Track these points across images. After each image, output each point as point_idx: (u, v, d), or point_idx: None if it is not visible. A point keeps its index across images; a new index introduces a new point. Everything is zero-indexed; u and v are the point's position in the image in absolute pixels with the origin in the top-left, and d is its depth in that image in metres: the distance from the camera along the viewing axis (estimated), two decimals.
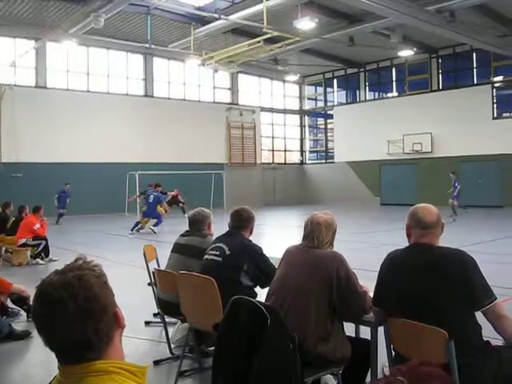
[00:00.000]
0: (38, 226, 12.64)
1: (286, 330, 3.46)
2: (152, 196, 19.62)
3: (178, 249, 5.80)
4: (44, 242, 12.67)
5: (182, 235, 5.94)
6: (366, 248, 14.11)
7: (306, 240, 3.95)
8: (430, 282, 3.28)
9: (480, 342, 3.36)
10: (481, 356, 3.25)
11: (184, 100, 32.44)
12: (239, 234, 4.98)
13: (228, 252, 4.79)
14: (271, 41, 23.84)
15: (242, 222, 5.04)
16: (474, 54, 30.24)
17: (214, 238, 5.34)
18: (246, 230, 5.03)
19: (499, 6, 23.55)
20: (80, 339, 1.59)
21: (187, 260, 5.52)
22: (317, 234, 3.90)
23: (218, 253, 4.85)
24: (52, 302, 1.59)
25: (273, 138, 38.73)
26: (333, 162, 36.53)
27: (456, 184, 24.24)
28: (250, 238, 5.08)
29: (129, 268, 11.01)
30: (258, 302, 3.60)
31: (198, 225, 5.87)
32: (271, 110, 38.01)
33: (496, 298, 3.27)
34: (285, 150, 39.53)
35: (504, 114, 29.89)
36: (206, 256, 4.98)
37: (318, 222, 3.95)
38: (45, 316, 1.60)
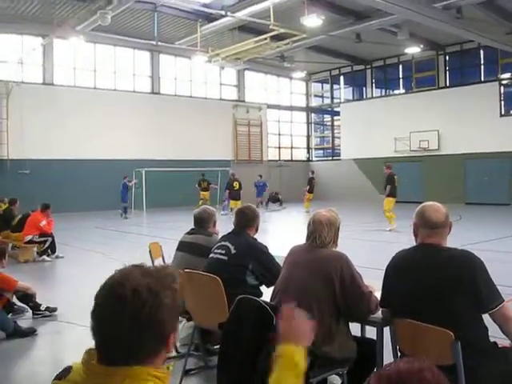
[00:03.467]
0: (44, 222, 12.68)
1: None
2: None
3: (183, 247, 5.77)
4: (50, 239, 12.71)
5: (188, 233, 5.92)
6: (373, 246, 14.09)
7: (309, 239, 3.92)
8: (437, 284, 3.24)
9: (487, 344, 3.33)
10: (488, 357, 3.23)
11: (191, 97, 32.44)
12: (244, 232, 4.95)
13: (234, 251, 4.76)
14: (278, 38, 23.79)
15: (246, 220, 5.01)
16: (482, 51, 30.11)
17: (220, 236, 5.33)
18: (251, 228, 5.00)
19: (507, 2, 23.44)
20: (123, 343, 1.58)
21: (193, 258, 5.49)
22: (319, 233, 3.86)
23: (223, 251, 4.82)
24: (116, 298, 1.58)
25: (279, 134, 38.70)
26: (339, 159, 36.49)
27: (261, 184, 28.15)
28: (256, 235, 5.06)
29: None
30: (263, 301, 3.59)
31: (203, 223, 5.86)
32: (278, 107, 37.98)
33: (503, 300, 3.24)
34: (291, 147, 39.49)
35: (511, 111, 29.80)
36: (211, 255, 4.96)
37: (320, 220, 3.91)
38: (102, 305, 1.61)
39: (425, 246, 3.45)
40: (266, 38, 23.00)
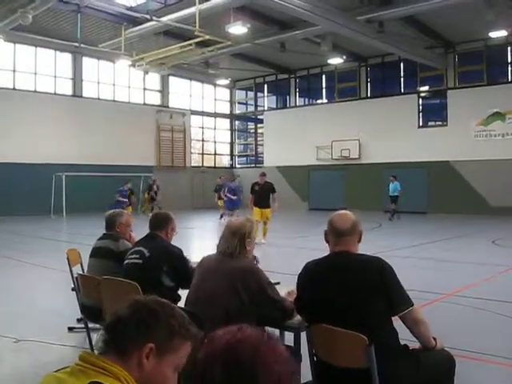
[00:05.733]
0: None
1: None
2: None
3: (94, 253, 5.77)
4: None
5: (99, 239, 5.92)
6: (295, 252, 14.21)
7: (219, 247, 3.98)
8: (349, 290, 3.32)
9: (398, 346, 3.43)
10: (400, 360, 3.32)
11: (114, 101, 31.98)
12: (158, 236, 5.02)
13: (148, 254, 4.81)
14: (203, 44, 23.76)
15: (159, 224, 5.08)
16: (402, 64, 31.02)
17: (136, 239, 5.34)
18: (165, 231, 5.06)
19: (427, 19, 24.28)
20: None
21: (103, 262, 5.52)
22: (226, 240, 3.94)
23: (137, 256, 4.85)
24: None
25: (203, 141, 38.70)
26: (262, 167, 36.72)
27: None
28: (175, 241, 5.09)
29: (53, 272, 10.74)
30: (180, 307, 3.57)
31: (112, 226, 5.84)
32: (201, 114, 37.93)
33: (413, 304, 3.34)
34: (215, 154, 39.53)
35: (429, 123, 30.82)
36: (126, 261, 4.96)
37: (228, 228, 4.00)
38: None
39: (335, 253, 3.53)
40: (191, 44, 22.94)
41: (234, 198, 23.62)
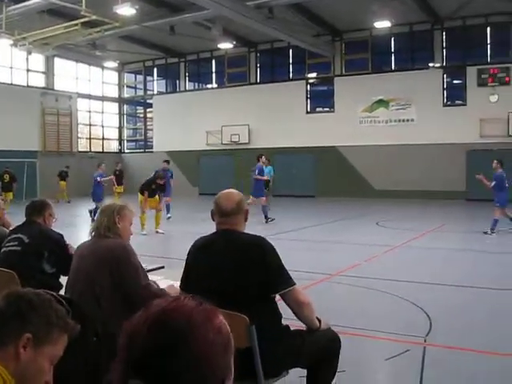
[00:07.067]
0: None
1: (89, 323, 3.33)
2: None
3: None
4: None
5: None
6: (181, 237, 14.13)
7: (91, 229, 4.06)
8: (232, 267, 3.33)
9: (280, 327, 3.47)
10: (281, 340, 3.35)
11: None
12: (36, 222, 4.93)
13: (27, 240, 4.69)
14: (90, 24, 23.07)
15: (36, 210, 5.00)
16: (291, 51, 31.45)
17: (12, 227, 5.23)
18: (42, 218, 4.99)
19: (314, 6, 24.74)
20: None
21: None
22: (97, 220, 4.05)
23: (16, 243, 4.71)
24: None
25: (90, 125, 37.64)
26: (152, 152, 36.27)
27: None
28: (62, 230, 5.00)
29: None
30: (59, 294, 3.44)
31: None
32: (89, 97, 36.85)
33: (294, 284, 3.36)
34: (103, 139, 38.58)
35: (317, 109, 31.48)
36: (3, 249, 4.80)
37: (101, 210, 4.13)
38: None
39: (222, 231, 3.55)
40: (76, 24, 22.24)
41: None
